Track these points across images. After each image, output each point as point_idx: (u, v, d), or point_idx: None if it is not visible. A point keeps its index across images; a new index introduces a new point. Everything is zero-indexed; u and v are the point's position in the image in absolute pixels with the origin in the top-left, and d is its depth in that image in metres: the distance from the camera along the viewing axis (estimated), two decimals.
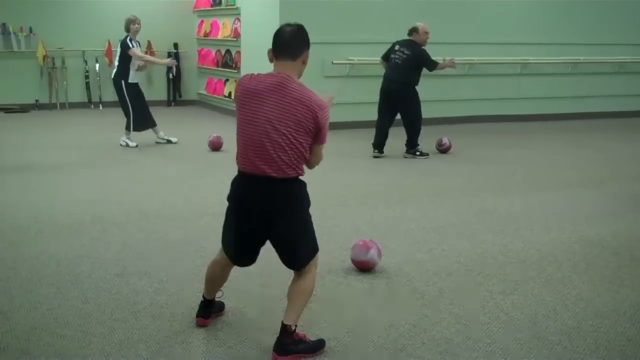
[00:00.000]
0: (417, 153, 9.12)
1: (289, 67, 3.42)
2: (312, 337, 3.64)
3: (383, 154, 9.12)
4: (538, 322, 3.99)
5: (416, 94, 8.96)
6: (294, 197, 3.49)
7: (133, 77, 9.55)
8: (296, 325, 3.51)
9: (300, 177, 3.49)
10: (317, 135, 3.46)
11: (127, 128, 9.59)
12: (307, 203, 3.56)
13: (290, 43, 3.43)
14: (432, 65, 8.94)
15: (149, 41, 14.00)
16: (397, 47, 8.98)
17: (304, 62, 3.48)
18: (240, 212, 3.52)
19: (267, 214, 3.43)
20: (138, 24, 9.59)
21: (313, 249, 3.59)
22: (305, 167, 3.50)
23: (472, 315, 4.07)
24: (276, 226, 3.46)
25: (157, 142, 9.87)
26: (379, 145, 9.14)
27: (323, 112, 3.42)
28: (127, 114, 9.56)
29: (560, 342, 3.74)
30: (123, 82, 9.47)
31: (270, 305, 4.13)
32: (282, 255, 3.59)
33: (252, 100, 3.38)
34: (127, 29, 9.50)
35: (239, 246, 3.62)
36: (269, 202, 3.42)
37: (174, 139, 9.91)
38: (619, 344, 3.74)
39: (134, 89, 9.60)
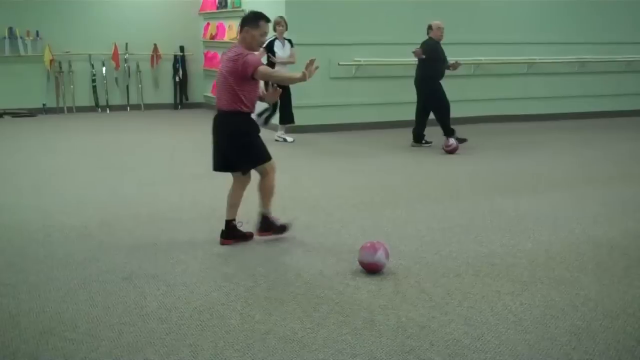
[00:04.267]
0: (423, 142, 9.85)
1: (239, 39, 5.28)
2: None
3: (419, 144, 9.72)
4: (547, 323, 3.97)
5: (433, 88, 9.56)
6: (233, 124, 5.25)
7: None
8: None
9: (245, 111, 5.22)
10: (243, 70, 5.06)
11: (281, 122, 10.10)
12: (242, 131, 5.24)
13: (241, 23, 5.28)
14: (426, 51, 9.40)
15: (155, 44, 14.04)
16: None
17: (244, 34, 5.19)
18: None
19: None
20: (281, 26, 9.86)
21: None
22: (246, 105, 5.20)
23: (481, 317, 4.06)
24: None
25: (276, 140, 10.11)
26: (414, 134, 9.75)
27: (237, 57, 5.11)
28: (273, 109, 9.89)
29: (569, 342, 3.72)
30: None
31: (275, 308, 4.13)
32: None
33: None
34: (274, 29, 9.68)
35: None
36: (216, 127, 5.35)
37: (289, 139, 10.25)
38: (629, 345, 3.71)
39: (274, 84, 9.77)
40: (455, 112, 11.96)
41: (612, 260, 5.10)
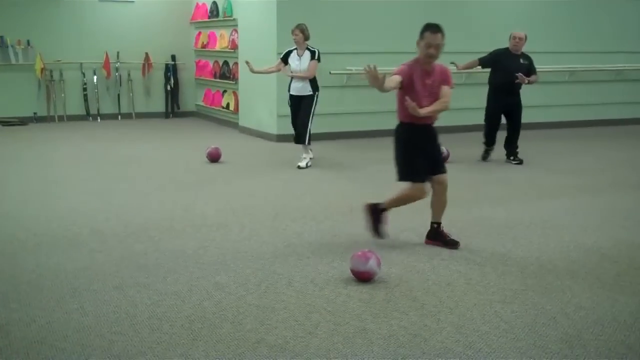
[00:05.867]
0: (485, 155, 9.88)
1: None
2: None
3: (489, 155, 9.83)
4: (538, 331, 3.98)
5: (489, 96, 9.92)
6: (396, 133, 5.66)
7: (292, 88, 9.16)
8: (384, 208, 5.71)
9: (402, 122, 5.53)
10: None
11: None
12: (398, 140, 5.58)
13: None
14: (483, 60, 9.95)
15: (146, 53, 14.03)
16: None
17: (417, 45, 5.32)
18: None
19: None
20: (295, 34, 8.97)
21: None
22: (402, 115, 5.49)
23: (472, 325, 4.06)
24: None
25: (299, 166, 9.09)
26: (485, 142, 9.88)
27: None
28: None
29: (560, 350, 3.73)
30: (288, 92, 9.27)
31: (266, 317, 4.13)
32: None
33: None
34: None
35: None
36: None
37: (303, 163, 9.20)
38: (620, 352, 3.73)
39: (290, 99, 9.24)
40: (449, 120, 12.00)
41: (602, 268, 5.11)
